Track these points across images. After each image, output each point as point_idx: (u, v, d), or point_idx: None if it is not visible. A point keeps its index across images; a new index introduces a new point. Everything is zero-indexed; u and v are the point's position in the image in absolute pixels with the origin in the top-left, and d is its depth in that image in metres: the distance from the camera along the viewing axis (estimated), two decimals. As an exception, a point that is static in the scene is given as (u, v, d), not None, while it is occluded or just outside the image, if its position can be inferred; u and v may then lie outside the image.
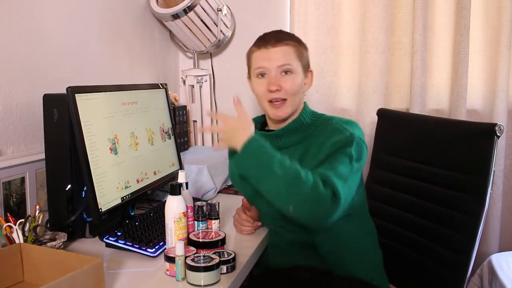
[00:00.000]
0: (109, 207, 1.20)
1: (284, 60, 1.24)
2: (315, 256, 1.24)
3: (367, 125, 2.05)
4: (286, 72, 1.24)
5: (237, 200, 1.44)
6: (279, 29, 1.34)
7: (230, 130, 1.16)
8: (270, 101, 1.25)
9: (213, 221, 1.25)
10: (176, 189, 1.11)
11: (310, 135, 1.26)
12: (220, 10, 2.00)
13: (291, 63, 1.24)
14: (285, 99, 1.24)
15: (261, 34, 1.31)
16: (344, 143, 1.16)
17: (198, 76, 2.14)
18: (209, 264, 0.99)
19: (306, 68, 1.30)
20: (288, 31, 2.09)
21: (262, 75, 1.26)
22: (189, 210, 1.18)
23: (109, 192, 1.20)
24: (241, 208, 1.36)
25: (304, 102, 1.33)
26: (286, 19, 2.15)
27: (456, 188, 1.34)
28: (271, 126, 1.35)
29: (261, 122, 1.40)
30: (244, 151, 1.11)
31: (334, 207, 1.07)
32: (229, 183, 1.83)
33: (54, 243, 1.11)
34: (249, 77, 1.35)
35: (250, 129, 1.15)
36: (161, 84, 1.62)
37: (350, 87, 2.13)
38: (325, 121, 1.26)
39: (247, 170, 1.13)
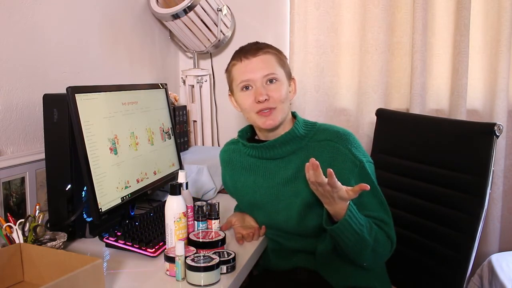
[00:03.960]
0: (109, 207, 1.19)
1: (268, 69, 1.21)
2: (315, 259, 1.24)
3: (367, 125, 2.06)
4: (271, 81, 1.21)
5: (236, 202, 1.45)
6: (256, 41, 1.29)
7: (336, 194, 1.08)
8: (258, 112, 1.22)
9: (213, 221, 1.25)
10: (176, 189, 1.11)
11: (305, 146, 1.23)
12: (220, 10, 2.00)
13: (275, 71, 1.22)
14: (273, 108, 1.21)
15: (260, 36, 1.30)
16: (360, 172, 1.17)
17: (198, 76, 2.14)
18: (209, 264, 0.99)
19: (289, 76, 1.28)
20: (288, 31, 2.12)
21: (247, 87, 1.23)
22: (189, 210, 1.18)
23: (109, 192, 1.20)
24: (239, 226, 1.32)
25: (295, 112, 1.31)
26: (286, 19, 2.15)
27: (455, 187, 1.34)
28: (261, 136, 1.32)
29: (250, 131, 1.37)
30: (347, 221, 1.08)
31: (391, 253, 1.21)
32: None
33: (54, 243, 1.11)
34: (231, 93, 1.31)
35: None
36: (161, 84, 1.62)
37: (350, 87, 2.13)
38: (320, 132, 1.24)
39: (345, 235, 1.11)
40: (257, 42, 1.27)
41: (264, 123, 1.23)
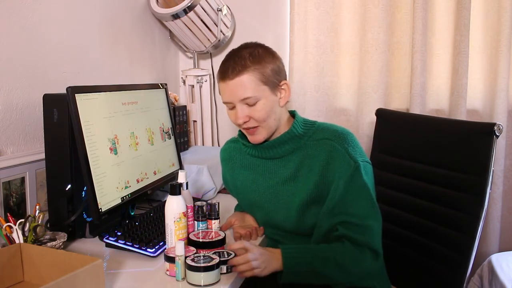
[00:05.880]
0: (109, 207, 1.20)
1: (245, 93, 1.17)
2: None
3: (367, 125, 2.06)
4: (250, 103, 1.19)
5: (237, 201, 1.44)
6: (245, 42, 1.26)
7: (262, 260, 1.09)
8: (244, 128, 1.23)
9: (213, 221, 1.25)
10: (176, 189, 1.11)
11: (304, 145, 1.23)
12: (220, 10, 2.00)
13: (253, 94, 1.17)
14: (256, 126, 1.21)
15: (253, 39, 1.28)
16: (352, 173, 1.15)
17: (198, 76, 2.14)
18: (209, 264, 0.99)
19: (276, 85, 1.20)
20: (288, 31, 2.12)
21: (231, 107, 1.23)
22: (189, 210, 1.18)
23: (109, 192, 1.20)
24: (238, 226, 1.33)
25: (295, 111, 1.30)
26: (286, 19, 2.15)
27: (455, 187, 1.34)
28: None
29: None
30: (288, 272, 1.10)
31: (377, 262, 1.17)
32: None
33: (54, 243, 1.11)
34: None
35: (276, 252, 1.11)
36: (161, 84, 1.62)
37: (350, 87, 2.13)
38: (319, 131, 1.24)
39: (299, 281, 1.12)
40: (237, 56, 1.21)
41: (251, 139, 1.25)
